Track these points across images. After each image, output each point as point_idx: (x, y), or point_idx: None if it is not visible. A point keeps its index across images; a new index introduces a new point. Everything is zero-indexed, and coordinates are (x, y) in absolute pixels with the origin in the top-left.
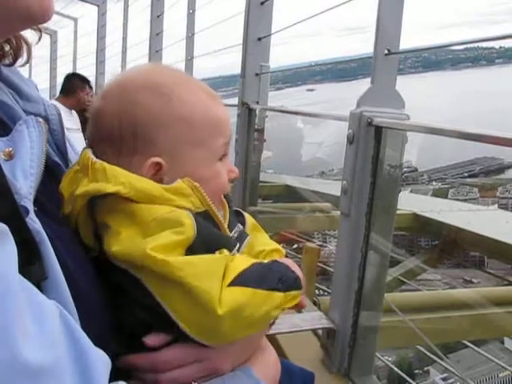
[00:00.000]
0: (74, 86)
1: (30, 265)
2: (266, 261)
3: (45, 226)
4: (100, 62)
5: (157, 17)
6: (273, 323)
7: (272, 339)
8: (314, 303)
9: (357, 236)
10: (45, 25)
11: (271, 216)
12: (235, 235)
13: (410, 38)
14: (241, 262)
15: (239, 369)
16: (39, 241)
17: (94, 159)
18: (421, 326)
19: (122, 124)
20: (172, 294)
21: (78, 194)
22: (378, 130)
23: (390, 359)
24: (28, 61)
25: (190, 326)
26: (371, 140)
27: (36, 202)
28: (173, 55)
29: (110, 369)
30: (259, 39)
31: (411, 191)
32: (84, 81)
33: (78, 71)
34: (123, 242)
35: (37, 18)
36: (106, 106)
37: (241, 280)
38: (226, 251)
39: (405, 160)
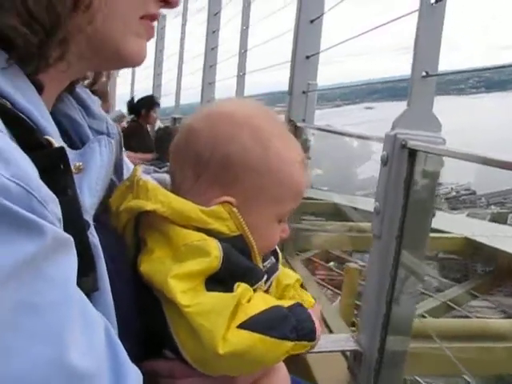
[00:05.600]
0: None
1: (85, 276)
2: (287, 305)
3: (101, 240)
4: (157, 74)
5: (212, 32)
6: None
7: (300, 358)
8: (353, 324)
9: (387, 259)
10: None
11: (314, 234)
12: (268, 265)
13: (473, 57)
14: (258, 303)
15: None
16: (95, 254)
17: (140, 177)
18: (457, 354)
19: (215, 153)
20: (179, 323)
21: (122, 209)
22: (412, 153)
23: None
24: (107, 81)
25: (191, 356)
26: (404, 162)
27: (95, 217)
28: (226, 70)
29: (141, 383)
30: (307, 57)
31: (468, 215)
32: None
33: (137, 83)
34: (153, 262)
35: (131, 62)
36: (205, 129)
37: (252, 324)
38: (243, 287)
39: (463, 182)
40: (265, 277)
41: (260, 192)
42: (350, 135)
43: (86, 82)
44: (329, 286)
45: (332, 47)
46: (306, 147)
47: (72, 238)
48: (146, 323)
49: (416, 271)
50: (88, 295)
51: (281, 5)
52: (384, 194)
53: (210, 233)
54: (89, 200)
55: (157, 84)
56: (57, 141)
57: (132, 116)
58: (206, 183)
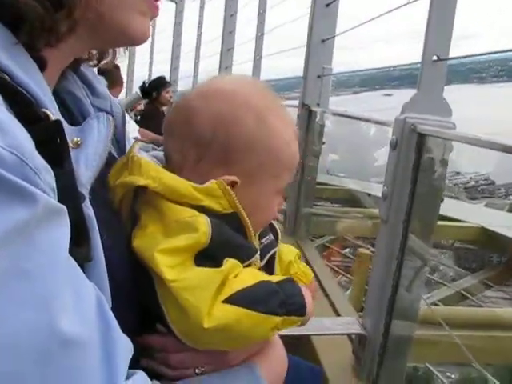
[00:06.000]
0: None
1: (79, 246)
2: (277, 280)
3: (96, 213)
4: (175, 57)
5: (230, 16)
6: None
7: (306, 340)
8: (362, 309)
9: (393, 243)
10: None
11: (326, 219)
12: (265, 242)
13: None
14: (245, 278)
15: (243, 365)
16: (90, 226)
17: (135, 153)
18: (467, 342)
19: (216, 134)
20: (167, 298)
21: (117, 184)
22: (421, 137)
23: (453, 376)
24: (113, 61)
25: (179, 330)
26: (413, 147)
27: (93, 190)
28: (243, 54)
29: (131, 354)
30: (323, 41)
31: (486, 205)
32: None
33: (154, 66)
34: (145, 237)
35: (135, 40)
36: (204, 109)
37: (237, 298)
38: (231, 262)
39: (482, 172)
40: (257, 254)
41: (261, 169)
42: (361, 119)
43: (92, 62)
44: (343, 273)
45: (347, 31)
46: (320, 132)
47: (65, 208)
48: (141, 297)
49: (423, 256)
50: (81, 265)
51: None
52: (392, 178)
53: (203, 210)
54: (85, 174)
55: (174, 67)
56: (54, 114)
57: (147, 100)
58: (209, 164)
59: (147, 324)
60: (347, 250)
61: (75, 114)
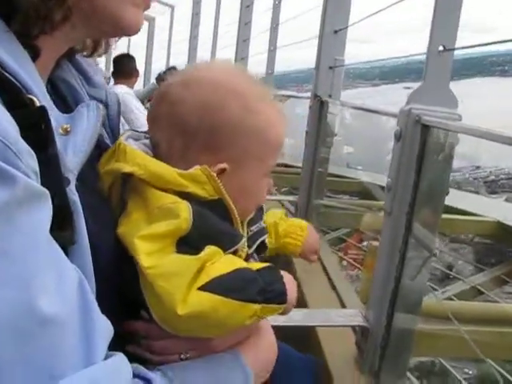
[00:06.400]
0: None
1: (62, 230)
2: (257, 267)
3: (83, 199)
4: (193, 48)
5: (246, 7)
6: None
7: (311, 331)
8: None
9: (396, 235)
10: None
11: (341, 212)
12: (255, 230)
13: None
14: (221, 265)
15: (228, 351)
16: (74, 210)
17: (121, 141)
18: (476, 337)
19: (202, 122)
20: (145, 284)
21: (104, 171)
22: (425, 129)
23: (470, 372)
24: (106, 52)
25: (157, 317)
26: (417, 138)
27: (82, 177)
28: (259, 45)
29: (111, 336)
30: (335, 32)
31: (507, 199)
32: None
33: (172, 56)
34: (129, 224)
35: (127, 31)
36: (189, 97)
37: (212, 286)
38: (211, 249)
39: (502, 166)
40: (243, 240)
41: (249, 154)
42: (368, 110)
43: (86, 52)
44: (360, 266)
45: (360, 21)
46: (332, 123)
47: (48, 192)
48: (126, 284)
49: (427, 249)
50: (65, 248)
51: None
52: (396, 170)
53: (189, 196)
54: (72, 160)
55: (191, 58)
56: (41, 101)
57: None
58: (196, 151)
59: (133, 311)
60: (365, 243)
61: (69, 102)
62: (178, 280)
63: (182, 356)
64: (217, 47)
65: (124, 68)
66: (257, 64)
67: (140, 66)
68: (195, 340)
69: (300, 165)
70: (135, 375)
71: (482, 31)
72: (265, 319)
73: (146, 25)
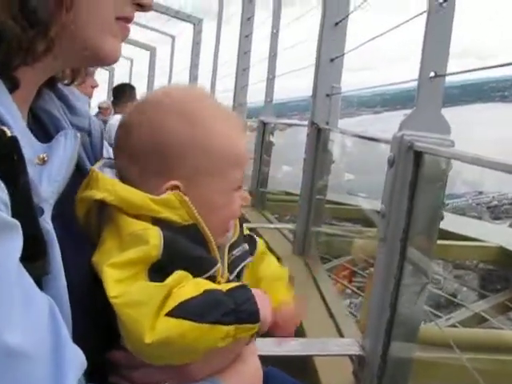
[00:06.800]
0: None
1: (35, 260)
2: (227, 288)
3: (62, 229)
4: (193, 77)
5: (245, 37)
6: (252, 336)
7: (308, 359)
8: None
9: (391, 262)
10: (145, 42)
11: (338, 239)
12: (237, 254)
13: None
14: (189, 289)
15: (208, 379)
16: (48, 240)
17: (95, 168)
18: (478, 366)
19: (149, 145)
20: (116, 313)
21: (78, 199)
22: (418, 155)
23: None
24: (84, 81)
25: (129, 345)
26: (410, 164)
27: (61, 207)
28: (258, 74)
29: (84, 367)
30: (331, 60)
31: (510, 225)
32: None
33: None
34: (102, 252)
35: (106, 60)
36: (136, 123)
37: (180, 311)
38: (178, 274)
39: (505, 192)
40: (217, 266)
41: (202, 170)
42: (362, 137)
43: (66, 81)
44: (362, 294)
45: (356, 48)
46: (329, 150)
47: (18, 223)
48: (104, 314)
49: (424, 275)
50: (39, 278)
51: (308, 9)
52: (389, 196)
53: (162, 222)
54: (47, 189)
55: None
56: (17, 132)
57: None
58: (149, 174)
59: (116, 340)
60: (370, 270)
61: (51, 132)
62: (145, 308)
63: None
64: (217, 76)
65: (124, 97)
66: (258, 92)
67: (142, 95)
68: (174, 368)
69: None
70: None
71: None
72: (252, 345)
73: (147, 54)
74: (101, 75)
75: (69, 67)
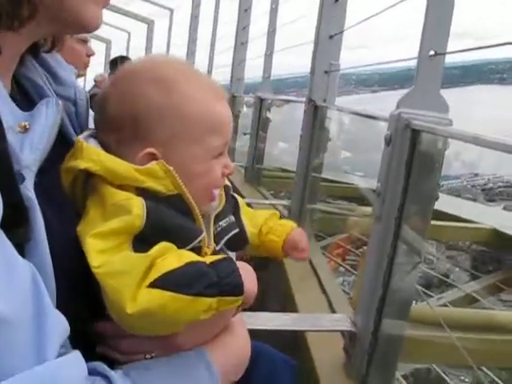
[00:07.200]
0: None
1: (17, 227)
2: (210, 260)
3: (45, 196)
4: (191, 52)
5: (244, 11)
6: (238, 308)
7: (300, 335)
8: None
9: (385, 241)
10: (143, 14)
11: (333, 217)
12: (223, 225)
13: None
14: (172, 260)
15: (193, 349)
16: (29, 207)
17: (80, 138)
18: (467, 345)
19: (123, 113)
20: (99, 283)
21: (63, 169)
22: (415, 134)
23: (466, 380)
24: (61, 49)
25: (113, 315)
26: (407, 143)
27: (44, 174)
28: (256, 49)
29: (67, 333)
30: (331, 37)
31: (504, 208)
32: None
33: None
34: (85, 223)
35: (88, 27)
36: (111, 93)
37: (162, 282)
38: (161, 245)
39: (501, 174)
40: (202, 236)
41: (177, 136)
42: (360, 114)
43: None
44: (355, 272)
45: (355, 25)
46: (325, 127)
47: None
48: (91, 283)
49: (417, 254)
50: (21, 246)
51: None
52: (385, 174)
53: (146, 192)
54: (29, 156)
55: (190, 60)
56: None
57: None
58: (126, 143)
59: (103, 310)
60: (364, 248)
61: (34, 100)
62: (127, 278)
63: (147, 355)
64: (215, 51)
65: None
66: (256, 68)
67: None
68: (160, 339)
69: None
70: (95, 373)
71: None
72: (239, 317)
73: (145, 28)
74: (97, 47)
75: (51, 34)
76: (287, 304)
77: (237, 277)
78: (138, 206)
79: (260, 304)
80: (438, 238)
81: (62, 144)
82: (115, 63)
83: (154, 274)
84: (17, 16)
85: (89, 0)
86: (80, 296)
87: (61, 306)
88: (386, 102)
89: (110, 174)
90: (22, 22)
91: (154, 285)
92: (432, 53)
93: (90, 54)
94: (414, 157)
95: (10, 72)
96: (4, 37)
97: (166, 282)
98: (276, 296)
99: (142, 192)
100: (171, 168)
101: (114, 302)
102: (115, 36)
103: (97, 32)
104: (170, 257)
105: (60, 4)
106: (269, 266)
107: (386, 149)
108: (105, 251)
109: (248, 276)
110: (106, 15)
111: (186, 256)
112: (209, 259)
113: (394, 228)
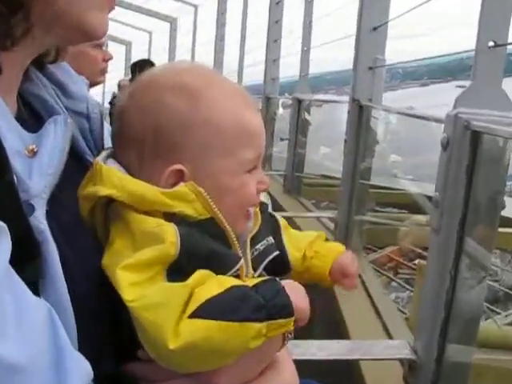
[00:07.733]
0: None
1: (27, 263)
2: (253, 283)
3: (57, 222)
4: (219, 50)
5: (276, 4)
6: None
7: (353, 364)
8: None
9: (446, 255)
10: (165, 12)
11: (381, 227)
12: (261, 248)
13: None
14: (212, 287)
15: None
16: (42, 240)
17: (98, 160)
18: None
19: (145, 126)
20: (133, 319)
21: (81, 196)
22: (476, 135)
23: None
24: (64, 58)
25: (151, 353)
26: (466, 146)
27: (56, 199)
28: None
29: (90, 377)
30: (374, 29)
31: None
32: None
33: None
34: (112, 253)
35: (92, 35)
36: (131, 105)
37: (204, 310)
38: (199, 273)
39: None
40: (240, 263)
41: (208, 149)
42: (413, 116)
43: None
44: (409, 287)
45: (402, 15)
46: (372, 129)
47: (4, 225)
48: (120, 322)
49: (483, 270)
50: (35, 283)
51: None
52: (444, 182)
53: (176, 217)
54: (39, 183)
55: (218, 62)
56: (1, 124)
57: None
58: (148, 160)
59: (132, 351)
60: (417, 261)
61: (43, 118)
62: (166, 311)
63: None
64: (245, 49)
65: None
66: (290, 66)
67: None
68: (198, 380)
69: (340, 176)
70: None
71: None
72: (285, 351)
73: (167, 26)
74: (116, 50)
75: (52, 46)
76: (337, 329)
77: (284, 297)
78: (171, 233)
79: (306, 330)
80: (503, 246)
81: (75, 163)
82: (138, 67)
83: (195, 304)
84: (8, 35)
85: (92, 6)
86: (104, 335)
87: (82, 347)
88: (436, 96)
89: (135, 200)
90: (15, 41)
91: (195, 315)
92: (491, 44)
93: (107, 59)
94: (476, 162)
95: (15, 91)
96: (2, 56)
97: (209, 310)
98: (323, 320)
99: (171, 217)
100: (202, 190)
101: (153, 338)
102: (135, 37)
103: (115, 34)
104: (209, 283)
105: (59, 15)
106: (315, 287)
107: (443, 154)
108: (139, 284)
109: (296, 293)
110: (125, 15)
111: (227, 281)
112: (250, 282)
113: (456, 241)
